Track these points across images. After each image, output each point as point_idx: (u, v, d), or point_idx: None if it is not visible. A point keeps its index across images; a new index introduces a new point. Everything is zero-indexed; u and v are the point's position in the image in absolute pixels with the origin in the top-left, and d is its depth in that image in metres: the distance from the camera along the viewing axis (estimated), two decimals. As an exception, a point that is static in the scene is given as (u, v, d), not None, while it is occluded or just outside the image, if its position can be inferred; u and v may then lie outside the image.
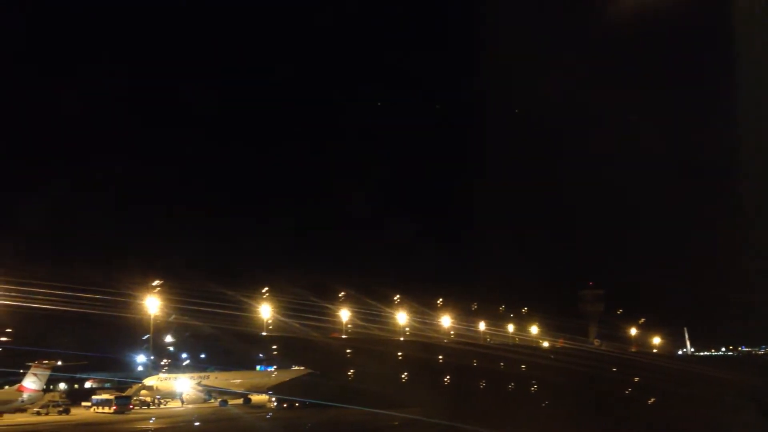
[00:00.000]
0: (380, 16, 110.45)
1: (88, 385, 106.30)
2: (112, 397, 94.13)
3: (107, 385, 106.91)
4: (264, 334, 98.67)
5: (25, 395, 71.94)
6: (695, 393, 62.41)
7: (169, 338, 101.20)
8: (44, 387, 74.26)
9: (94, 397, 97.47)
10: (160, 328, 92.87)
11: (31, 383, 71.65)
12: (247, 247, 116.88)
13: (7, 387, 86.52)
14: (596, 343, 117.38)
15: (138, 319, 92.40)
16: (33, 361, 71.90)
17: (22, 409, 77.45)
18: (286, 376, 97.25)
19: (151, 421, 77.12)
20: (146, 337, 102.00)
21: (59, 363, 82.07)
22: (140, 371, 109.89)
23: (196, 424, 73.92)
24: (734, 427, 49.41)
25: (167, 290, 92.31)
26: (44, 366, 71.18)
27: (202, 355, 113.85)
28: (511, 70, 71.76)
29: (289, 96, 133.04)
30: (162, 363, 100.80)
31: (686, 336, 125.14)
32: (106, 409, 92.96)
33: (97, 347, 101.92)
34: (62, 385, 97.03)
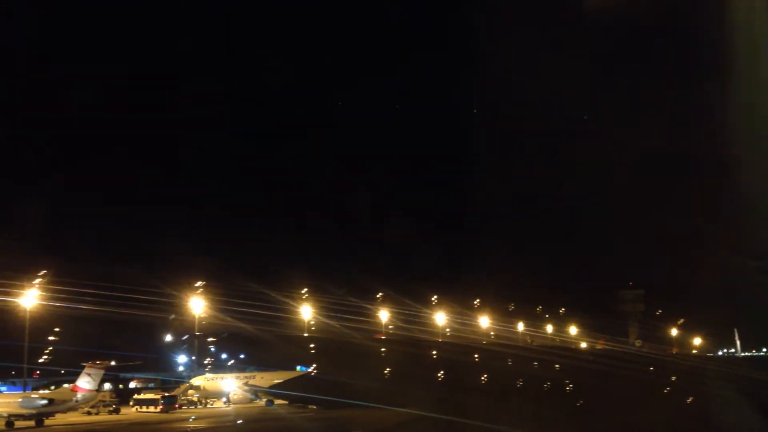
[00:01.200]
0: (380, 14, 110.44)
1: (132, 385, 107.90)
2: (158, 396, 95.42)
3: (151, 384, 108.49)
4: (306, 335, 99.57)
5: (79, 395, 73.06)
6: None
7: (210, 338, 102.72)
8: (98, 387, 75.44)
9: (135, 397, 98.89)
10: (201, 329, 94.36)
11: (85, 383, 72.79)
12: (284, 246, 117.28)
13: (63, 386, 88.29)
14: (637, 344, 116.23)
15: (180, 320, 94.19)
16: (86, 362, 73.08)
17: (73, 409, 78.77)
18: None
19: (191, 420, 78.12)
20: (186, 337, 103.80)
21: (113, 363, 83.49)
22: (181, 371, 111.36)
23: (249, 423, 74.90)
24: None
25: (209, 291, 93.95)
26: (98, 366, 72.27)
27: (242, 356, 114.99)
28: (519, 63, 71.68)
29: (314, 96, 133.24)
30: (205, 363, 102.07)
31: (736, 336, 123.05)
32: (151, 408, 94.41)
33: (140, 347, 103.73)
34: (107, 385, 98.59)
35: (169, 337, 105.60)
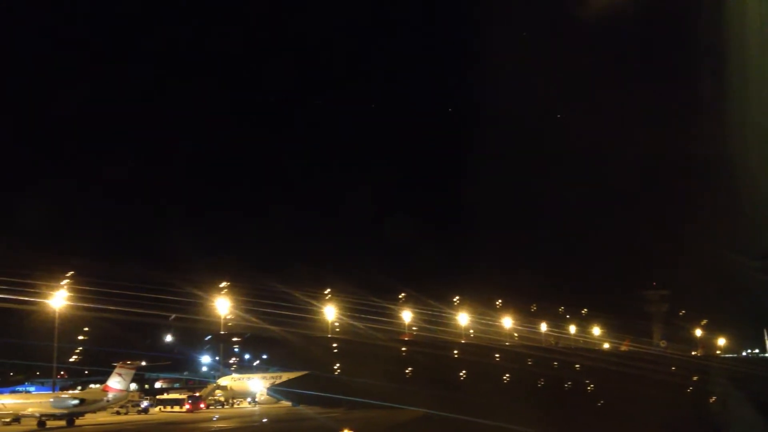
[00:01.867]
0: (380, 14, 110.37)
1: (158, 385, 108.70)
2: (183, 396, 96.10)
3: (177, 385, 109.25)
4: (329, 336, 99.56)
5: (110, 395, 73.75)
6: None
7: (235, 338, 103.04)
8: (128, 387, 76.09)
9: (158, 397, 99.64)
10: (225, 329, 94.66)
11: (116, 383, 73.46)
12: (306, 246, 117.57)
13: (90, 386, 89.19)
14: (662, 345, 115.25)
15: (204, 320, 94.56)
16: (116, 362, 73.77)
17: (103, 408, 79.49)
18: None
19: (214, 419, 78.47)
20: (209, 337, 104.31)
21: (143, 363, 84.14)
22: (205, 371, 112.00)
23: (275, 423, 75.12)
24: None
25: (232, 291, 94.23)
26: (128, 366, 72.90)
27: (264, 356, 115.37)
28: (520, 62, 71.48)
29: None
30: (230, 363, 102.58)
31: (766, 336, 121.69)
32: (176, 408, 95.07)
33: (165, 348, 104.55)
34: (133, 386, 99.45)
35: (191, 338, 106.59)
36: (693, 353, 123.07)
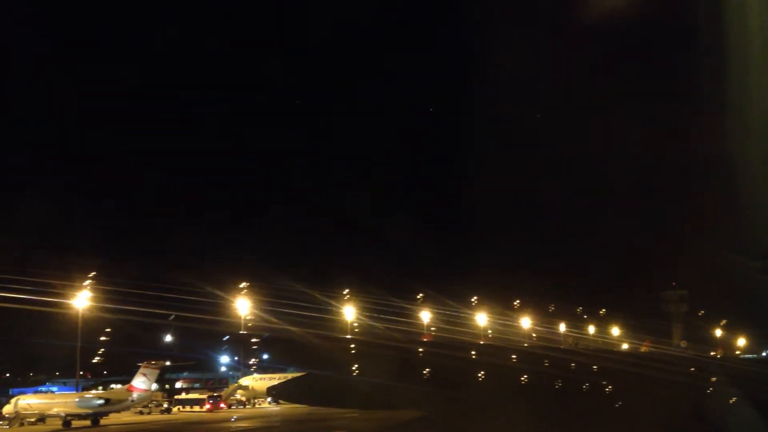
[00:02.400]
0: (379, 13, 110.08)
1: (179, 385, 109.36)
2: (202, 396, 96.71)
3: (197, 385, 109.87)
4: (348, 337, 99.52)
5: (135, 395, 74.42)
6: None
7: (254, 339, 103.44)
8: (153, 386, 76.66)
9: (176, 397, 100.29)
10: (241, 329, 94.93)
11: (140, 383, 74.11)
12: (324, 246, 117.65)
13: (111, 386, 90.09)
14: (683, 345, 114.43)
15: (224, 321, 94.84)
16: (141, 362, 74.37)
17: (127, 408, 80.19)
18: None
19: (233, 420, 78.89)
20: (227, 338, 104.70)
21: (167, 363, 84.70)
22: (224, 371, 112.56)
23: (295, 423, 75.42)
24: None
25: (250, 291, 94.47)
26: (153, 366, 73.50)
27: (281, 356, 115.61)
28: (521, 61, 71.38)
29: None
30: (250, 363, 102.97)
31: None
32: (196, 408, 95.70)
33: (185, 348, 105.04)
34: (154, 386, 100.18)
35: (210, 338, 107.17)
36: (712, 353, 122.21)
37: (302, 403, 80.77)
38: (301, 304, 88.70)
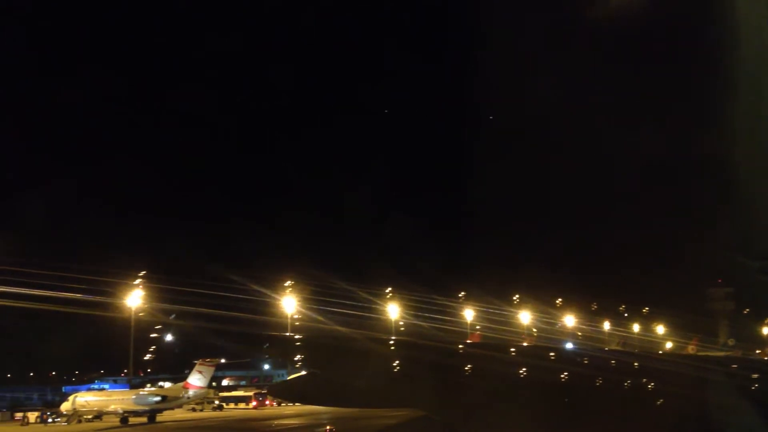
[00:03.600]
0: (379, 13, 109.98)
1: (225, 383, 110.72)
2: (248, 393, 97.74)
3: (243, 382, 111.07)
4: (392, 338, 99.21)
5: (191, 392, 75.53)
6: None
7: (297, 336, 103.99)
8: (208, 384, 77.70)
9: (222, 394, 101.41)
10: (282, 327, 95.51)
11: (196, 380, 75.23)
12: (366, 243, 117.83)
13: (160, 383, 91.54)
14: (730, 343, 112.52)
15: (269, 320, 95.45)
16: (197, 359, 75.43)
17: (179, 405, 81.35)
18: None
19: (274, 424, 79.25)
20: (266, 346, 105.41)
21: (222, 360, 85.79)
22: (267, 369, 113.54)
23: (345, 421, 75.58)
24: None
25: (294, 289, 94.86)
26: (208, 363, 74.52)
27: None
28: (524, 61, 70.90)
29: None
30: (296, 360, 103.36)
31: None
32: (241, 405, 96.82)
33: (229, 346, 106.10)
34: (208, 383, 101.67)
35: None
36: (758, 351, 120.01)
37: (305, 404, 79.27)
38: (344, 302, 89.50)
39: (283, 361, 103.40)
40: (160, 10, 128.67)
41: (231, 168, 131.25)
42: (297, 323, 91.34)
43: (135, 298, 78.62)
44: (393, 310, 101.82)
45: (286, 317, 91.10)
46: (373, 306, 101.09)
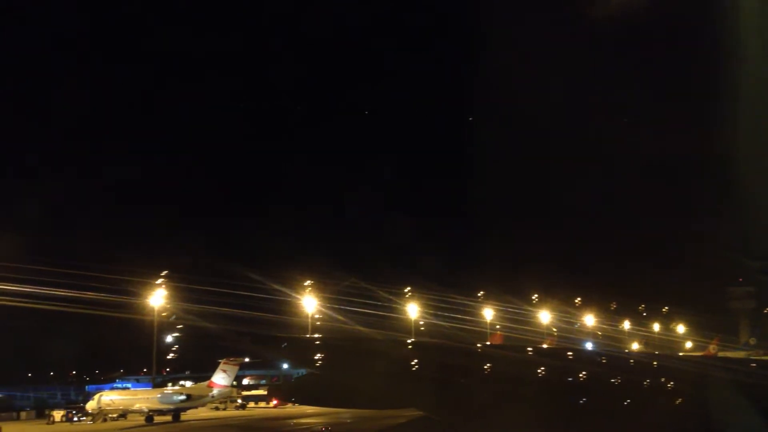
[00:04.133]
0: (379, 13, 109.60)
1: (245, 381, 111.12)
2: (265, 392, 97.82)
3: (263, 381, 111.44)
4: (412, 341, 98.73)
5: (215, 390, 75.79)
6: None
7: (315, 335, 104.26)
8: (232, 383, 77.97)
9: (243, 393, 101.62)
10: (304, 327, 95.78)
11: (220, 379, 75.52)
12: (382, 243, 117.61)
13: (178, 383, 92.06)
14: (752, 342, 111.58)
15: (291, 320, 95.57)
16: (221, 358, 75.69)
17: (203, 404, 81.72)
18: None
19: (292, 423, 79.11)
20: (284, 345, 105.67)
21: (247, 360, 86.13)
22: (286, 368, 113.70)
23: (366, 420, 75.73)
24: None
25: (314, 289, 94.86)
26: (233, 362, 74.76)
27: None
28: (525, 60, 70.79)
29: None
30: (315, 359, 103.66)
31: None
32: (262, 404, 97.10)
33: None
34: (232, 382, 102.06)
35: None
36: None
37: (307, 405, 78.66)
38: (363, 301, 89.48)
39: (302, 361, 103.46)
40: (162, 6, 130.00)
41: (250, 167, 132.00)
42: (317, 323, 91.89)
43: (158, 298, 79.43)
44: (412, 310, 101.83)
45: (306, 317, 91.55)
46: (393, 305, 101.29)
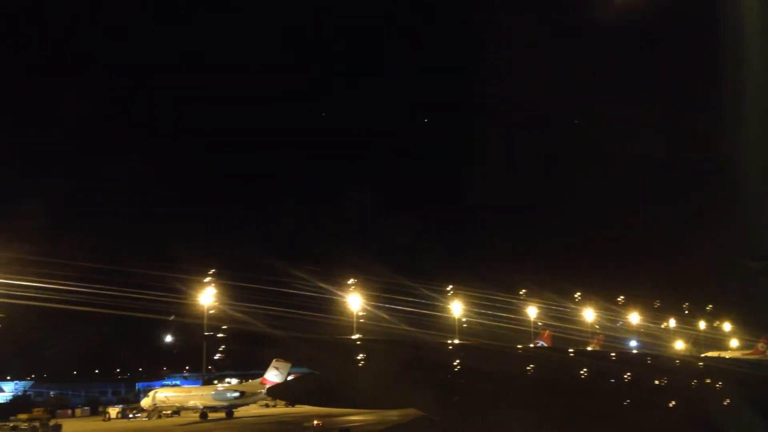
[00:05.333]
0: (379, 12, 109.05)
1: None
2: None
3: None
4: (456, 342, 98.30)
5: (268, 387, 76.77)
6: None
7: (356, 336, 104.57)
8: (285, 380, 78.70)
9: None
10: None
11: (273, 376, 76.55)
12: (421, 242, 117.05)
13: (226, 380, 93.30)
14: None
15: (336, 320, 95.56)
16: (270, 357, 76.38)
17: (254, 401, 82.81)
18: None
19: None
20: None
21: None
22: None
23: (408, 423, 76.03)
24: None
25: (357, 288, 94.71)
26: (285, 360, 75.47)
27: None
28: (525, 59, 70.37)
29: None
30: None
31: None
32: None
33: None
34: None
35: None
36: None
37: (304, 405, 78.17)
38: (400, 298, 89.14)
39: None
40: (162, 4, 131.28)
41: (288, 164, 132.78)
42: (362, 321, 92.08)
43: (207, 297, 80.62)
44: (456, 308, 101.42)
45: (352, 316, 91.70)
46: (435, 304, 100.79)
